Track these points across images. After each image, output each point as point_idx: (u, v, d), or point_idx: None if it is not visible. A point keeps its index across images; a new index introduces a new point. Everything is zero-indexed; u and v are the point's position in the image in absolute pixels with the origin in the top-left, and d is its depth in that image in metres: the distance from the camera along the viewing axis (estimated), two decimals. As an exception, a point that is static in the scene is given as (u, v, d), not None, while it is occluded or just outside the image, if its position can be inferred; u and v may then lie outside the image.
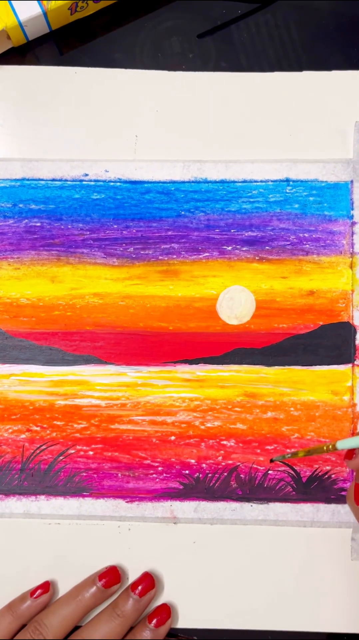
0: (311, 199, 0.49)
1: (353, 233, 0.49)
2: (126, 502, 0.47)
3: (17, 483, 0.47)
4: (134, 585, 0.45)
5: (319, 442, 0.47)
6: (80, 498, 0.47)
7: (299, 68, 0.51)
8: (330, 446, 0.42)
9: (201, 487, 0.47)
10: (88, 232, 0.49)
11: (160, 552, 0.47)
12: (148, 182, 0.49)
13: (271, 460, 0.46)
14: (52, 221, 0.49)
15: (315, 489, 0.47)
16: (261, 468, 0.47)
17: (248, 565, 0.47)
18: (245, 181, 0.49)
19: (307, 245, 0.49)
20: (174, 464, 0.47)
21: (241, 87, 0.50)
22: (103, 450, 0.48)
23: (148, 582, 0.45)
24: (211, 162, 0.50)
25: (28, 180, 0.50)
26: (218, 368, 0.48)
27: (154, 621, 0.45)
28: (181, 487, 0.47)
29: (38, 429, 0.48)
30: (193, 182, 0.49)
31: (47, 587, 0.45)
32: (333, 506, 0.47)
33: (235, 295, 0.49)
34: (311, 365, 0.48)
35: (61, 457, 0.48)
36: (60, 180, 0.50)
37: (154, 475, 0.47)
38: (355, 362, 0.48)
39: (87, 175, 0.50)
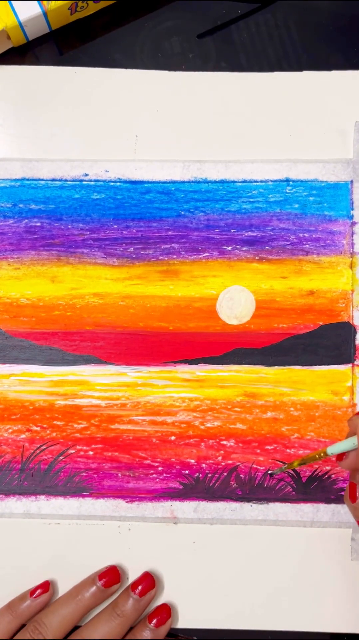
0: (311, 199, 0.49)
1: (353, 233, 0.49)
2: (126, 502, 0.47)
3: (17, 483, 0.47)
4: (134, 585, 0.45)
5: (319, 442, 0.47)
6: (80, 498, 0.47)
7: (299, 68, 0.51)
8: (321, 453, 0.42)
9: (201, 487, 0.47)
10: (88, 232, 0.49)
11: (160, 552, 0.47)
12: (148, 182, 0.49)
13: (271, 475, 0.46)
14: (52, 221, 0.49)
15: (315, 489, 0.47)
16: (261, 468, 0.47)
17: (248, 565, 0.47)
18: (245, 181, 0.49)
19: (307, 245, 0.49)
20: (174, 464, 0.47)
21: (241, 87, 0.50)
22: (103, 450, 0.48)
23: (148, 582, 0.45)
24: (211, 162, 0.50)
25: (28, 180, 0.50)
26: (218, 368, 0.48)
27: (154, 621, 0.45)
28: (181, 487, 0.47)
29: (38, 429, 0.48)
30: (193, 182, 0.49)
31: (46, 586, 0.45)
32: (333, 506, 0.47)
33: (235, 295, 0.49)
34: (311, 365, 0.48)
35: (61, 457, 0.48)
36: (60, 180, 0.50)
37: (154, 475, 0.47)
38: (355, 362, 0.48)
39: (87, 175, 0.50)
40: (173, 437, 0.48)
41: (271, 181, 0.49)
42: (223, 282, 0.49)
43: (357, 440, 0.39)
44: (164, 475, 0.47)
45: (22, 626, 0.45)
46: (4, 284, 0.49)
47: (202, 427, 0.48)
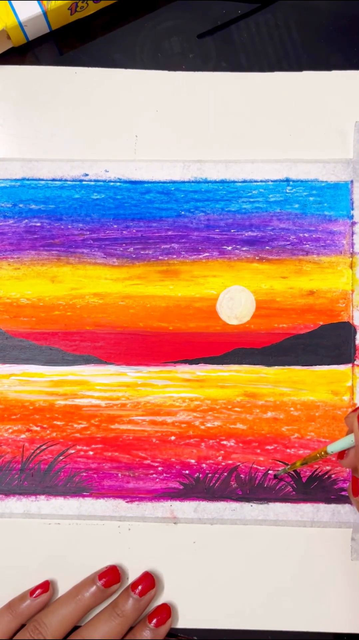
0: (311, 199, 0.49)
1: (353, 233, 0.49)
2: (126, 502, 0.47)
3: (17, 483, 0.47)
4: (134, 585, 0.45)
5: (319, 442, 0.47)
6: (80, 498, 0.47)
7: (299, 68, 0.51)
8: (322, 452, 0.42)
9: (201, 487, 0.47)
10: (88, 232, 0.49)
11: (160, 552, 0.47)
12: (148, 182, 0.49)
13: (275, 477, 0.47)
14: (52, 221, 0.49)
15: (315, 489, 0.47)
16: (261, 468, 0.47)
17: (248, 565, 0.47)
18: (245, 181, 0.49)
19: (307, 245, 0.49)
20: (174, 464, 0.47)
21: (241, 87, 0.50)
22: (103, 450, 0.48)
23: (148, 581, 0.45)
24: (211, 162, 0.50)
25: (28, 180, 0.50)
26: (218, 368, 0.48)
27: (154, 621, 0.45)
28: (181, 487, 0.47)
29: (38, 429, 0.48)
30: (193, 182, 0.49)
31: (46, 586, 0.45)
32: (333, 506, 0.47)
33: (235, 295, 0.49)
34: (311, 365, 0.48)
35: (61, 457, 0.48)
36: (60, 180, 0.50)
37: (154, 475, 0.47)
38: (355, 362, 0.48)
39: (87, 175, 0.50)
40: (173, 437, 0.48)
41: (271, 181, 0.49)
42: (223, 282, 0.49)
43: (354, 438, 0.39)
44: (164, 475, 0.47)
45: (22, 626, 0.45)
46: (4, 284, 0.49)
47: (202, 427, 0.48)
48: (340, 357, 0.48)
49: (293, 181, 0.49)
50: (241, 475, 0.47)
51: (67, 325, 0.49)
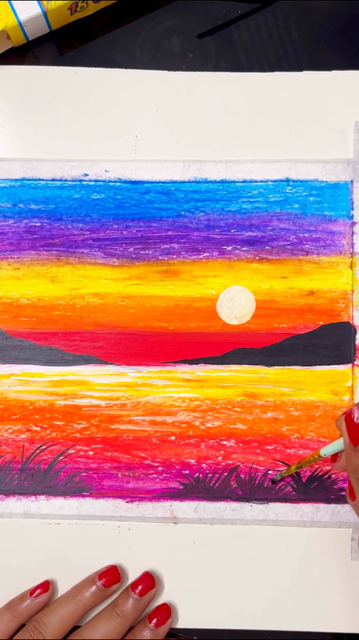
0: (311, 199, 0.49)
1: (353, 233, 0.49)
2: (126, 502, 0.47)
3: (17, 483, 0.47)
4: (134, 585, 0.45)
5: (319, 442, 0.47)
6: (80, 498, 0.47)
7: (299, 68, 0.51)
8: (316, 455, 0.42)
9: (201, 487, 0.47)
10: (88, 232, 0.49)
11: (160, 552, 0.47)
12: (148, 182, 0.49)
13: (273, 482, 0.47)
14: (52, 221, 0.49)
15: (315, 489, 0.47)
16: (261, 468, 0.47)
17: (248, 565, 0.47)
18: (245, 181, 0.49)
19: (307, 245, 0.49)
20: (174, 464, 0.47)
21: (241, 87, 0.50)
22: (103, 450, 0.48)
23: (148, 581, 0.45)
24: (211, 162, 0.50)
25: (28, 180, 0.50)
26: (218, 368, 0.48)
27: (154, 621, 0.45)
28: (181, 487, 0.47)
29: (38, 429, 0.48)
30: (193, 182, 0.49)
31: (46, 586, 0.45)
32: (333, 506, 0.47)
33: (235, 295, 0.49)
34: (311, 365, 0.48)
35: (61, 457, 0.48)
36: (60, 180, 0.50)
37: (154, 475, 0.47)
38: (355, 362, 0.48)
39: (87, 175, 0.50)
40: (173, 437, 0.48)
41: (271, 181, 0.49)
42: (223, 282, 0.49)
43: (343, 441, 0.39)
44: (164, 475, 0.47)
45: (22, 626, 0.45)
46: (4, 284, 0.49)
47: (202, 427, 0.48)
48: (340, 357, 0.48)
49: (293, 181, 0.49)
50: (241, 475, 0.47)
51: (67, 325, 0.49)
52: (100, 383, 0.48)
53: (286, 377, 0.48)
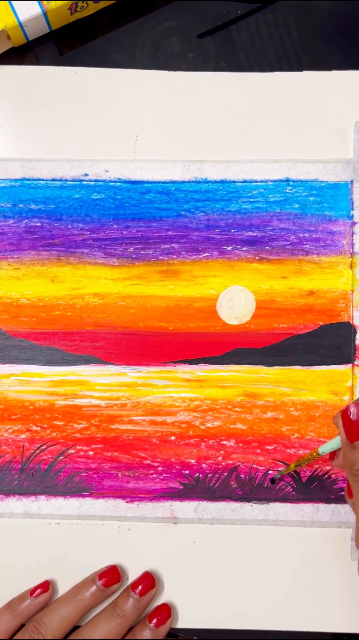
0: (311, 199, 0.49)
1: (353, 233, 0.49)
2: (126, 502, 0.47)
3: (17, 483, 0.47)
4: (134, 585, 0.45)
5: (319, 442, 0.47)
6: (80, 498, 0.47)
7: (299, 68, 0.51)
8: (314, 453, 0.42)
9: (201, 487, 0.47)
10: (88, 232, 0.49)
11: (160, 552, 0.47)
12: (148, 182, 0.50)
13: (272, 482, 0.47)
14: (52, 221, 0.49)
15: (315, 489, 0.47)
16: (261, 468, 0.47)
17: (248, 565, 0.47)
18: (245, 181, 0.49)
19: (307, 245, 0.49)
20: (174, 464, 0.47)
21: (241, 87, 0.50)
22: (103, 450, 0.48)
23: (149, 581, 0.45)
24: (211, 162, 0.50)
25: (28, 180, 0.50)
26: (218, 368, 0.48)
27: (154, 621, 0.45)
28: (181, 487, 0.47)
29: (38, 429, 0.48)
30: (193, 182, 0.49)
31: (46, 586, 0.45)
32: (333, 506, 0.47)
33: (235, 295, 0.49)
34: (311, 365, 0.48)
35: (61, 457, 0.48)
36: (60, 180, 0.50)
37: (154, 475, 0.47)
38: (355, 362, 0.48)
39: (87, 175, 0.50)
40: (173, 437, 0.48)
41: (271, 181, 0.49)
42: (223, 282, 0.49)
43: (340, 438, 0.39)
44: (164, 475, 0.47)
45: (22, 626, 0.45)
46: (4, 284, 0.49)
47: (202, 427, 0.48)
48: (340, 357, 0.48)
49: (293, 181, 0.49)
50: (241, 475, 0.47)
51: (67, 325, 0.49)
52: (100, 383, 0.48)
53: (286, 377, 0.48)
